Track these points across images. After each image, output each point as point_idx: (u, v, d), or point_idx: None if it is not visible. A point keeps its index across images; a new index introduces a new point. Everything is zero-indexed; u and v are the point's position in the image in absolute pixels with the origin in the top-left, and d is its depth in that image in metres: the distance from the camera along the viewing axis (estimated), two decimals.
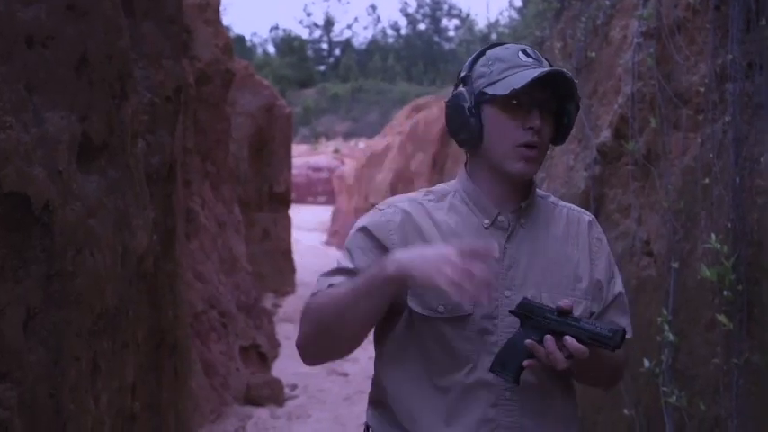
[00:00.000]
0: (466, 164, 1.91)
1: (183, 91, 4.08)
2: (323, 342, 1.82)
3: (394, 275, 1.63)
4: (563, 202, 1.96)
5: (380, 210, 1.86)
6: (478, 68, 1.81)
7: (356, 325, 1.74)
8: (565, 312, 1.65)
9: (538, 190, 1.90)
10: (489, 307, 1.76)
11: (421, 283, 1.60)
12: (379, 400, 1.86)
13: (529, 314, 1.68)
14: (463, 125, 1.80)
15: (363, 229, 1.83)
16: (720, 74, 3.34)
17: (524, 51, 1.80)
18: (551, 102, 1.78)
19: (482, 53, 1.84)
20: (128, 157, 2.85)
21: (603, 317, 1.85)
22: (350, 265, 1.81)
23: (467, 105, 1.79)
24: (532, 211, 1.86)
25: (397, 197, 1.92)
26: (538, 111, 1.75)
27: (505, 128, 1.77)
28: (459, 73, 1.87)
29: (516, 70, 1.75)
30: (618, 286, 1.91)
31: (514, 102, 1.74)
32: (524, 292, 1.77)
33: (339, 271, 1.82)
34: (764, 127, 2.98)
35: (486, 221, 1.82)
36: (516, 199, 1.84)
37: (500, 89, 1.74)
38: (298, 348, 1.86)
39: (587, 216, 1.95)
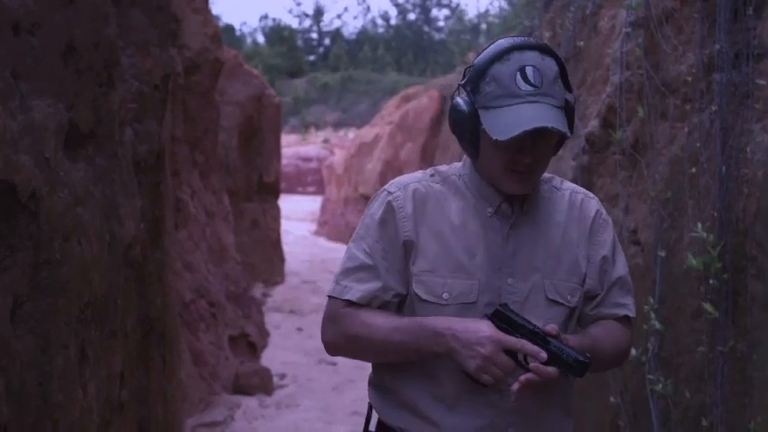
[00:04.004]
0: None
1: (172, 79, 4.06)
2: (354, 356, 1.95)
3: (440, 353, 1.72)
4: (567, 184, 1.96)
5: (391, 193, 1.86)
6: (481, 84, 1.77)
7: (395, 361, 1.83)
8: (536, 333, 1.69)
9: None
10: (493, 294, 1.79)
11: (457, 364, 1.71)
12: (380, 383, 1.90)
13: (503, 323, 1.70)
14: (461, 137, 1.83)
15: (379, 220, 1.84)
16: (708, 64, 3.35)
17: (523, 73, 1.72)
18: (549, 136, 1.74)
19: (489, 64, 1.76)
20: (115, 145, 2.84)
21: (608, 295, 1.89)
22: (369, 262, 1.83)
23: (464, 121, 1.79)
24: (535, 198, 1.87)
25: (404, 178, 1.91)
26: (531, 144, 1.72)
27: (495, 156, 1.77)
28: (466, 71, 1.83)
29: (509, 102, 1.71)
30: (621, 269, 1.94)
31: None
32: (527, 280, 1.81)
33: (359, 269, 1.83)
34: (751, 117, 3.00)
35: (490, 209, 1.84)
36: None
37: (489, 125, 1.72)
38: (324, 345, 1.92)
39: (592, 198, 1.96)
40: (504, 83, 1.73)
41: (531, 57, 1.74)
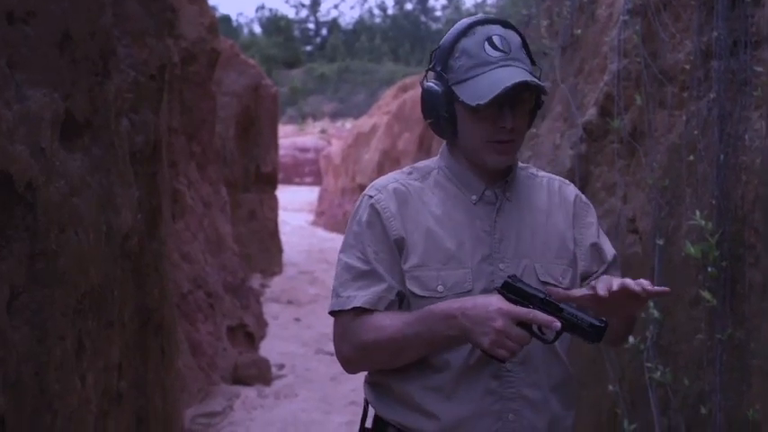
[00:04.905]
0: (450, 143, 1.91)
1: (168, 69, 4.05)
2: (372, 366, 1.88)
3: (454, 335, 1.70)
4: (542, 172, 1.99)
5: (372, 197, 1.85)
6: (450, 61, 1.81)
7: (414, 359, 1.79)
8: (547, 301, 1.67)
9: (518, 161, 1.93)
10: (487, 281, 1.79)
11: (472, 344, 1.70)
12: (375, 380, 1.88)
13: (513, 295, 1.68)
14: (436, 120, 1.84)
15: (366, 225, 1.83)
16: (706, 51, 3.34)
17: (490, 41, 1.77)
18: (526, 97, 1.78)
19: (456, 41, 1.81)
20: (111, 135, 2.83)
21: (607, 272, 1.90)
22: (366, 267, 1.81)
23: (440, 106, 1.81)
24: (516, 184, 1.89)
25: (382, 180, 1.91)
26: (509, 110, 1.75)
27: (476, 126, 1.78)
28: (433, 53, 1.86)
29: (482, 70, 1.75)
30: (611, 248, 1.96)
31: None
32: (518, 264, 1.81)
33: (358, 277, 1.81)
34: (749, 104, 2.99)
35: (474, 197, 1.85)
36: (500, 173, 1.86)
37: (466, 95, 1.75)
38: (342, 364, 1.89)
39: (569, 184, 1.99)
40: (473, 53, 1.78)
41: (495, 28, 1.80)
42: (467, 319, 1.66)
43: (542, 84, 1.77)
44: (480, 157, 1.81)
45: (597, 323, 1.64)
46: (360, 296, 1.79)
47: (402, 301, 1.82)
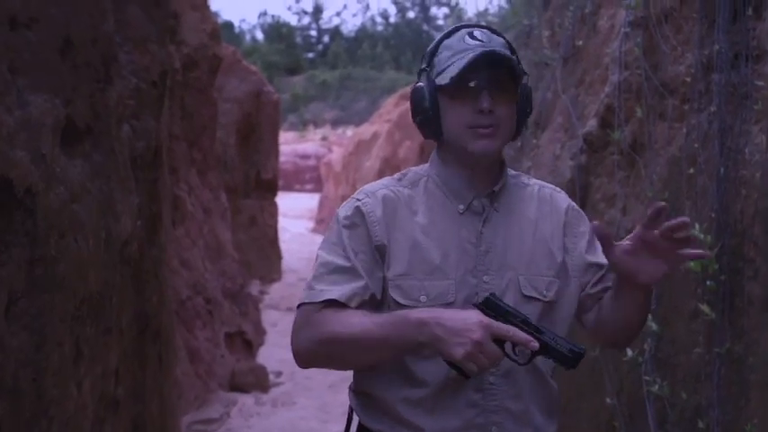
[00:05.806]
0: (438, 148, 1.92)
1: (169, 76, 4.05)
2: (325, 364, 1.86)
3: (424, 342, 1.65)
4: (534, 180, 1.98)
5: (359, 200, 1.85)
6: (434, 60, 1.85)
7: (374, 362, 1.78)
8: (527, 322, 1.66)
9: (509, 170, 1.92)
10: (470, 293, 1.78)
11: (441, 354, 1.64)
12: (360, 389, 1.88)
13: (493, 312, 1.67)
14: (424, 121, 1.85)
15: (349, 225, 1.82)
16: (707, 64, 3.34)
17: (471, 34, 1.81)
18: (505, 80, 1.78)
19: (440, 42, 1.86)
20: (112, 141, 2.83)
21: (604, 279, 1.90)
22: (346, 264, 1.78)
23: (425, 101, 1.82)
24: (505, 194, 1.88)
25: (371, 186, 1.91)
26: (487, 92, 1.75)
27: (457, 113, 1.79)
28: (422, 59, 1.90)
29: (460, 56, 1.77)
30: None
31: (462, 88, 1.76)
32: (502, 277, 1.80)
33: (334, 272, 1.78)
34: (749, 118, 2.99)
35: (461, 207, 1.84)
36: (489, 182, 1.86)
37: (443, 79, 1.78)
38: (295, 355, 1.83)
39: (560, 192, 1.99)
40: (454, 46, 1.81)
41: (479, 29, 1.84)
42: (440, 329, 1.62)
43: (511, 56, 1.78)
44: (463, 146, 1.80)
45: (577, 349, 1.64)
46: (334, 290, 1.75)
47: (376, 305, 1.80)
